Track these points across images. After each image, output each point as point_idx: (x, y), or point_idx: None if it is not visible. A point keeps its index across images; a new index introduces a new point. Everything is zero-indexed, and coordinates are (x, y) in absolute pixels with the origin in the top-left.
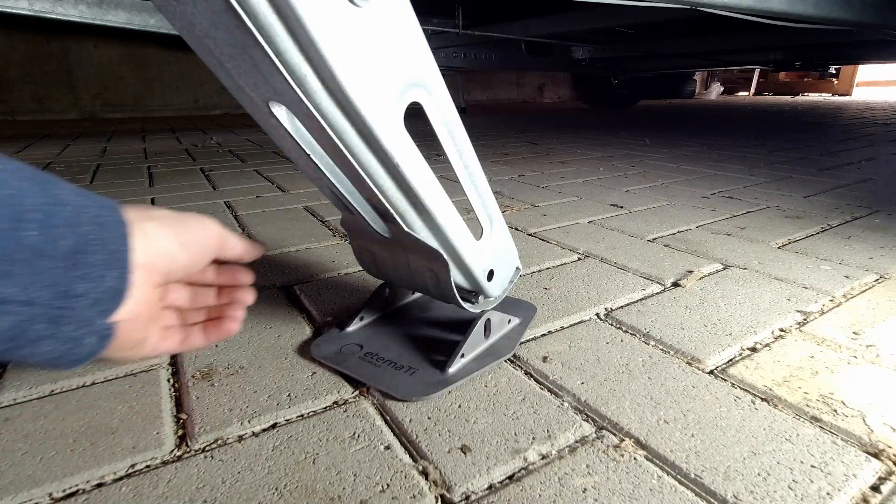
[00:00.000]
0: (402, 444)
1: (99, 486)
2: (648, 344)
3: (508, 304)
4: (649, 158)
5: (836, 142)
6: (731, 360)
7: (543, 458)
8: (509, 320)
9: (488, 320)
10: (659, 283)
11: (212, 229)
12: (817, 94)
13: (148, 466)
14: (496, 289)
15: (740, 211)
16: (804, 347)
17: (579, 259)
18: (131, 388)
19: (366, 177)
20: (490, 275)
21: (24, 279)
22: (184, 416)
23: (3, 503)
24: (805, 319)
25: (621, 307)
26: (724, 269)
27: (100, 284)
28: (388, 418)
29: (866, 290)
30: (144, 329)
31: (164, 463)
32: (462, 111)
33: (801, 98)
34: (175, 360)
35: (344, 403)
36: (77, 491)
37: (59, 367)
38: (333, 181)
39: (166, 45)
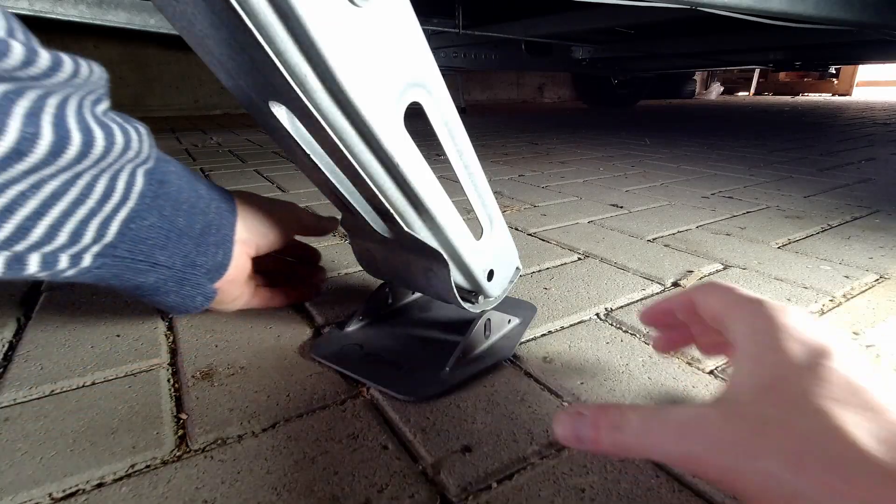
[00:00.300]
0: (401, 443)
1: (99, 486)
2: (648, 344)
3: (508, 304)
4: (649, 158)
5: (836, 142)
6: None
7: (542, 458)
8: (509, 320)
9: (488, 320)
10: (659, 283)
11: (295, 212)
12: (817, 94)
13: (148, 466)
14: (496, 289)
15: (740, 211)
16: None
17: (579, 259)
18: (131, 388)
19: (366, 177)
20: (490, 275)
21: (170, 250)
22: (184, 416)
23: (3, 503)
24: None
25: (621, 307)
26: (724, 269)
27: (213, 259)
28: (387, 418)
29: (866, 290)
30: (238, 289)
31: (164, 463)
32: (462, 111)
33: (801, 98)
34: (175, 361)
35: (343, 403)
36: (77, 491)
37: (174, 313)
38: (333, 181)
39: (166, 45)
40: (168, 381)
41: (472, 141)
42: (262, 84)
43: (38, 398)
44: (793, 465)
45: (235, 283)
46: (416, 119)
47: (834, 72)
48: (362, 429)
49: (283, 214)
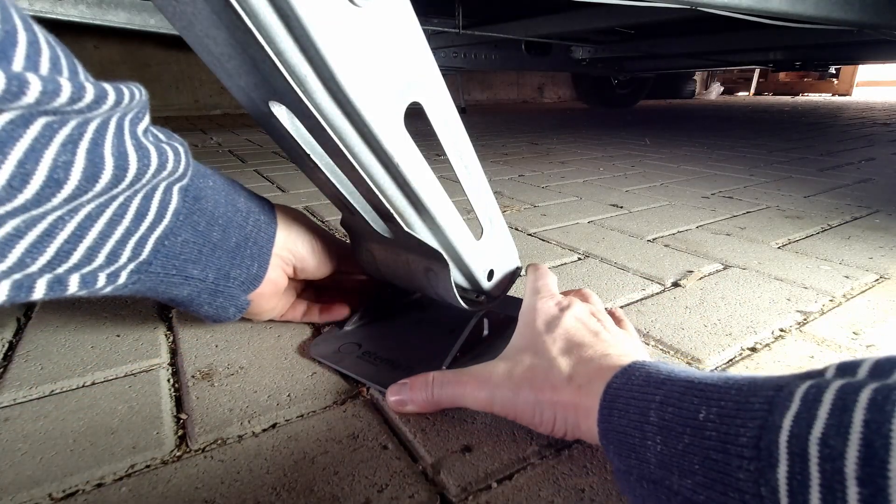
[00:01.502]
0: (401, 443)
1: (99, 486)
2: (648, 344)
3: (508, 304)
4: (649, 158)
5: (836, 142)
6: (731, 360)
7: (542, 458)
8: (509, 319)
9: (487, 320)
10: (659, 283)
11: (344, 245)
12: (817, 95)
13: (148, 466)
14: (496, 288)
15: (740, 211)
16: (804, 347)
17: (579, 259)
18: (131, 388)
19: (366, 177)
20: (490, 275)
21: (203, 264)
22: (184, 417)
23: (3, 503)
24: (805, 319)
25: (621, 307)
26: (724, 269)
27: (247, 272)
28: (387, 418)
29: (866, 290)
30: (270, 302)
31: (164, 463)
32: (462, 111)
33: (801, 98)
34: (175, 361)
35: (343, 403)
36: (77, 491)
37: (210, 322)
38: (334, 181)
39: (166, 44)
40: (168, 381)
41: (472, 141)
42: (262, 84)
43: (38, 398)
44: (537, 391)
45: (266, 297)
46: (416, 119)
47: (834, 72)
48: (362, 429)
49: (329, 240)
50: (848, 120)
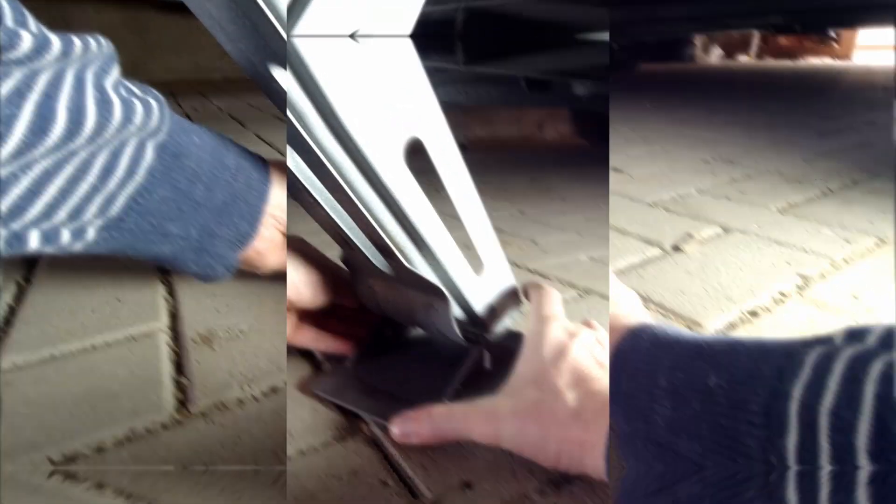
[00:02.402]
0: (401, 479)
1: (99, 449)
2: (648, 308)
3: (510, 337)
4: (649, 122)
5: (837, 105)
6: (731, 324)
7: (542, 494)
8: (510, 351)
9: (487, 352)
10: (659, 248)
11: (333, 272)
12: (817, 58)
13: (148, 430)
14: (497, 323)
15: (740, 175)
16: (804, 311)
17: (580, 296)
18: (132, 351)
19: (366, 212)
20: (490, 310)
21: (184, 221)
22: (184, 380)
23: (3, 468)
24: (805, 283)
25: (621, 271)
26: (725, 233)
27: (236, 230)
28: (386, 454)
29: (866, 253)
30: (270, 259)
31: (164, 427)
32: (462, 147)
33: (801, 62)
34: (175, 324)
35: (343, 440)
36: (77, 454)
37: (199, 280)
38: (333, 216)
39: (166, 9)
40: (168, 344)
41: (472, 176)
42: (262, 47)
43: (39, 362)
44: (542, 427)
45: (264, 254)
46: (416, 154)
47: (834, 36)
48: (362, 465)
49: (324, 267)
50: (848, 84)
